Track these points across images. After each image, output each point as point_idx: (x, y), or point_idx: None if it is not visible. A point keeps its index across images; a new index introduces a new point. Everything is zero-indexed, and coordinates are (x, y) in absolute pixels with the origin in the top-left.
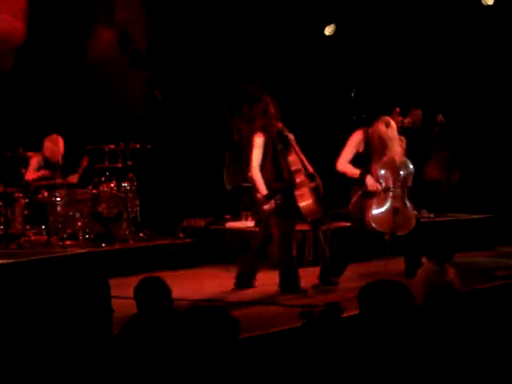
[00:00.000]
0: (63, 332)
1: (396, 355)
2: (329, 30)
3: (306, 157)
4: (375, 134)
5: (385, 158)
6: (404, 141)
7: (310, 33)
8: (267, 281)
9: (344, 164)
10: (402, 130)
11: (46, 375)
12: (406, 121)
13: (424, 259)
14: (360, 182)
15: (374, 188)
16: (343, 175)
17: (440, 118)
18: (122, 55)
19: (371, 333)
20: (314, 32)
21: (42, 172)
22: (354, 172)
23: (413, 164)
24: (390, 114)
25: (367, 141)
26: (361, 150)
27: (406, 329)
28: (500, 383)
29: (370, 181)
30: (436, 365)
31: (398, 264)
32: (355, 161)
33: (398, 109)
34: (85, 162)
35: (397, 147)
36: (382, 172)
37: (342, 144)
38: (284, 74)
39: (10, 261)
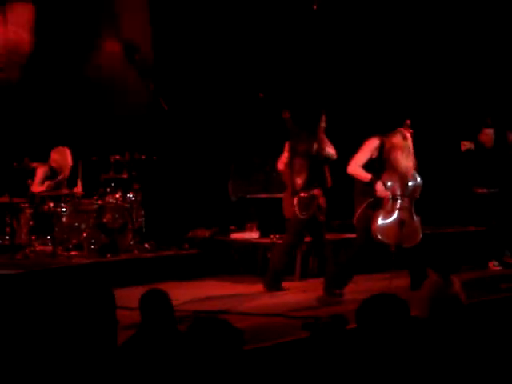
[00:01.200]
0: (68, 343)
1: (395, 366)
2: None
3: None
4: (391, 145)
5: (395, 170)
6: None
7: (320, 38)
8: (273, 292)
9: (356, 167)
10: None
11: None
12: (464, 146)
13: (429, 271)
14: (366, 192)
15: (383, 194)
16: (349, 185)
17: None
18: (128, 66)
19: (369, 346)
20: (326, 37)
21: (48, 184)
22: (365, 176)
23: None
24: (401, 125)
25: (381, 149)
26: (374, 156)
27: (404, 342)
28: None
29: (380, 187)
30: (440, 377)
31: (403, 276)
32: (366, 167)
33: (408, 121)
34: (80, 169)
35: (409, 161)
36: (389, 183)
37: (346, 153)
38: (291, 83)
39: (16, 271)
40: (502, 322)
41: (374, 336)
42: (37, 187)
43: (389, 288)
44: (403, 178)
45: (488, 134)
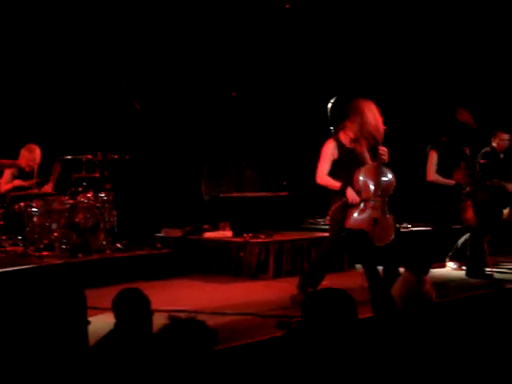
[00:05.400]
0: (39, 344)
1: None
2: None
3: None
4: (356, 108)
5: (366, 166)
6: (386, 150)
7: (292, 37)
8: (245, 291)
9: (323, 177)
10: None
11: None
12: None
13: (402, 269)
14: (341, 194)
15: (355, 201)
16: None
17: None
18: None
19: (314, 342)
20: (297, 36)
21: (16, 182)
22: (335, 185)
23: None
24: None
25: (340, 147)
26: (335, 157)
27: (348, 339)
28: None
29: (350, 194)
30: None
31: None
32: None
33: (381, 118)
34: (57, 169)
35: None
36: (362, 179)
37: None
38: (264, 81)
39: None
40: (474, 320)
41: (317, 330)
42: (3, 187)
43: (362, 285)
44: (372, 174)
45: (502, 139)
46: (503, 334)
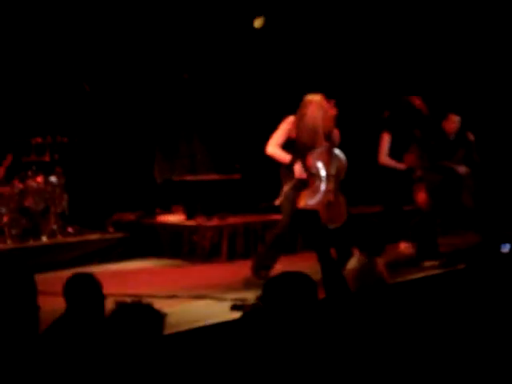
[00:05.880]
0: None
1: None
2: (258, 23)
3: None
4: (305, 121)
5: (317, 149)
6: (338, 133)
7: (239, 28)
8: (198, 274)
9: (274, 147)
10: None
11: None
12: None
13: (355, 250)
14: (291, 172)
15: (302, 176)
16: (274, 166)
17: (471, 136)
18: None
19: (275, 325)
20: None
21: None
22: (284, 157)
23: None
24: None
25: (298, 127)
26: (293, 135)
27: (311, 320)
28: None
29: (297, 167)
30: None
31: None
32: (287, 147)
33: (333, 100)
34: (9, 160)
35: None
36: (314, 161)
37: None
38: (216, 63)
39: None
40: (424, 302)
41: (278, 313)
42: None
43: (316, 267)
44: (325, 157)
45: (453, 121)
46: (456, 314)
